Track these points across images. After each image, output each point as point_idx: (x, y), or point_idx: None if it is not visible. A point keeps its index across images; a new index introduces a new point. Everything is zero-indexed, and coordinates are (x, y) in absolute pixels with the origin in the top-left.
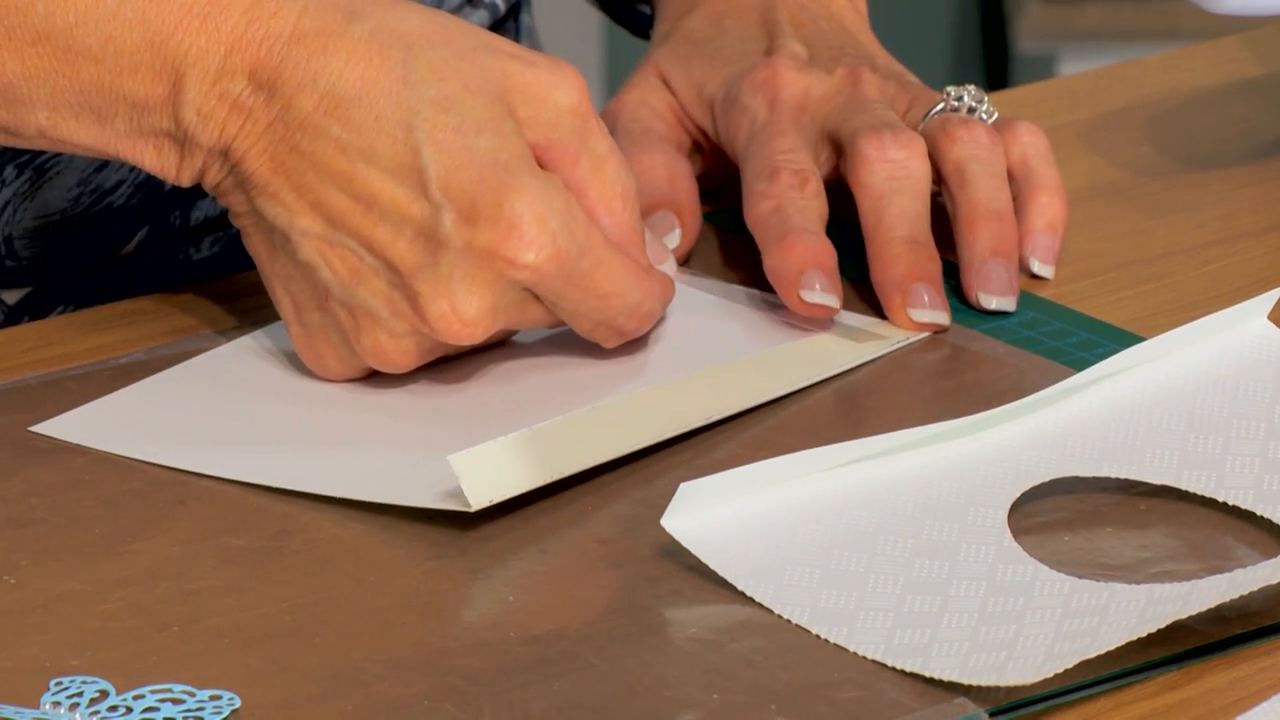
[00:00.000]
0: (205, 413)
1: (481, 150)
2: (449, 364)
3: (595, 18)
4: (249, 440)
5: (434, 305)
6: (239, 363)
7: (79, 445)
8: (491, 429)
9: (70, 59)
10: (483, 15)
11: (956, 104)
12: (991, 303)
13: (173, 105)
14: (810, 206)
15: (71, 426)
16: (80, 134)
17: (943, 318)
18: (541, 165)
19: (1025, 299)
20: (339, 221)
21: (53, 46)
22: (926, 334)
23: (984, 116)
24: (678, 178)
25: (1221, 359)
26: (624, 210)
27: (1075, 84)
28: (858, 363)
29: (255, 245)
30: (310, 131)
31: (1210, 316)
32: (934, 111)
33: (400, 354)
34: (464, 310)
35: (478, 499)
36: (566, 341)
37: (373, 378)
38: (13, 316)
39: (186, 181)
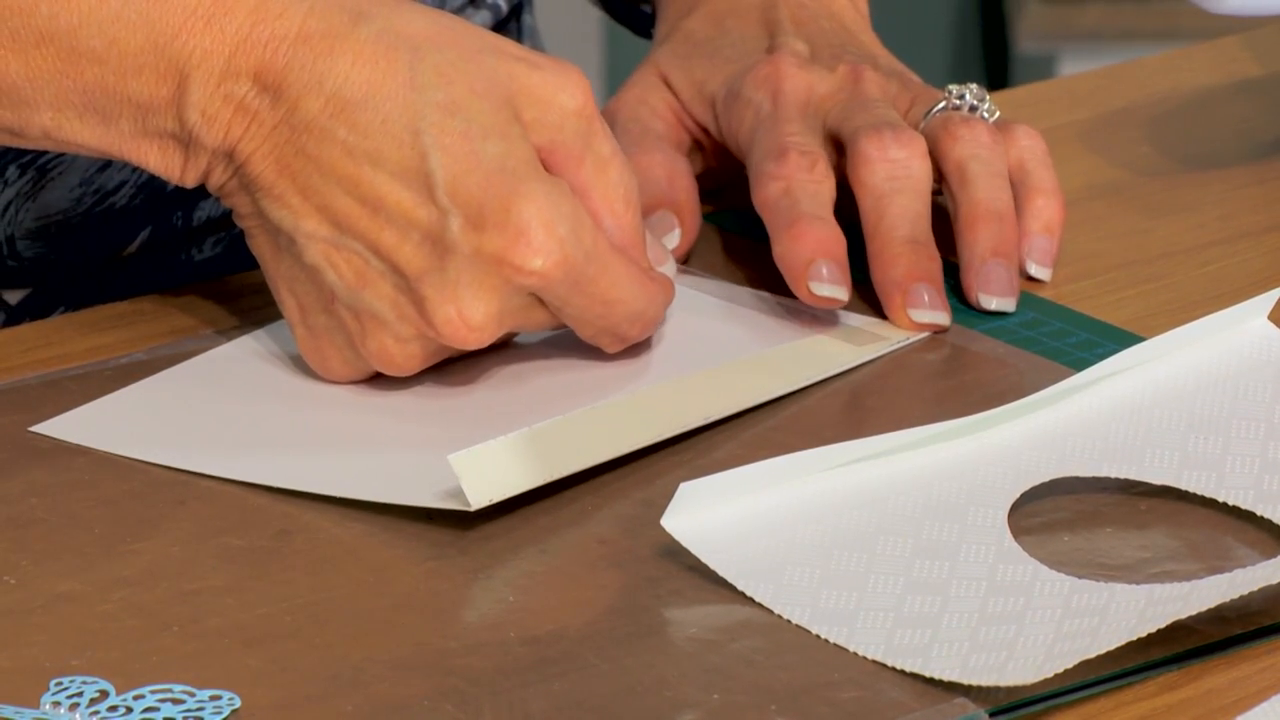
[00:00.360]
0: (205, 413)
1: (489, 155)
2: (450, 365)
3: (595, 18)
4: (249, 440)
5: (440, 310)
6: (240, 363)
7: (79, 445)
8: (492, 429)
9: (74, 60)
10: (485, 16)
11: (958, 103)
12: (991, 303)
13: (177, 107)
14: (820, 189)
15: (71, 426)
16: (85, 135)
17: (943, 318)
18: (546, 168)
19: (1025, 299)
20: (345, 225)
21: (57, 48)
22: (926, 334)
23: (985, 115)
24: (676, 177)
25: (1221, 359)
26: (626, 213)
27: (1075, 84)
28: (857, 363)
29: (260, 246)
30: (316, 134)
31: (1210, 316)
32: (935, 110)
33: (405, 358)
34: (471, 316)
35: (477, 498)
36: (567, 343)
37: (374, 379)
38: (14, 317)
39: (191, 183)
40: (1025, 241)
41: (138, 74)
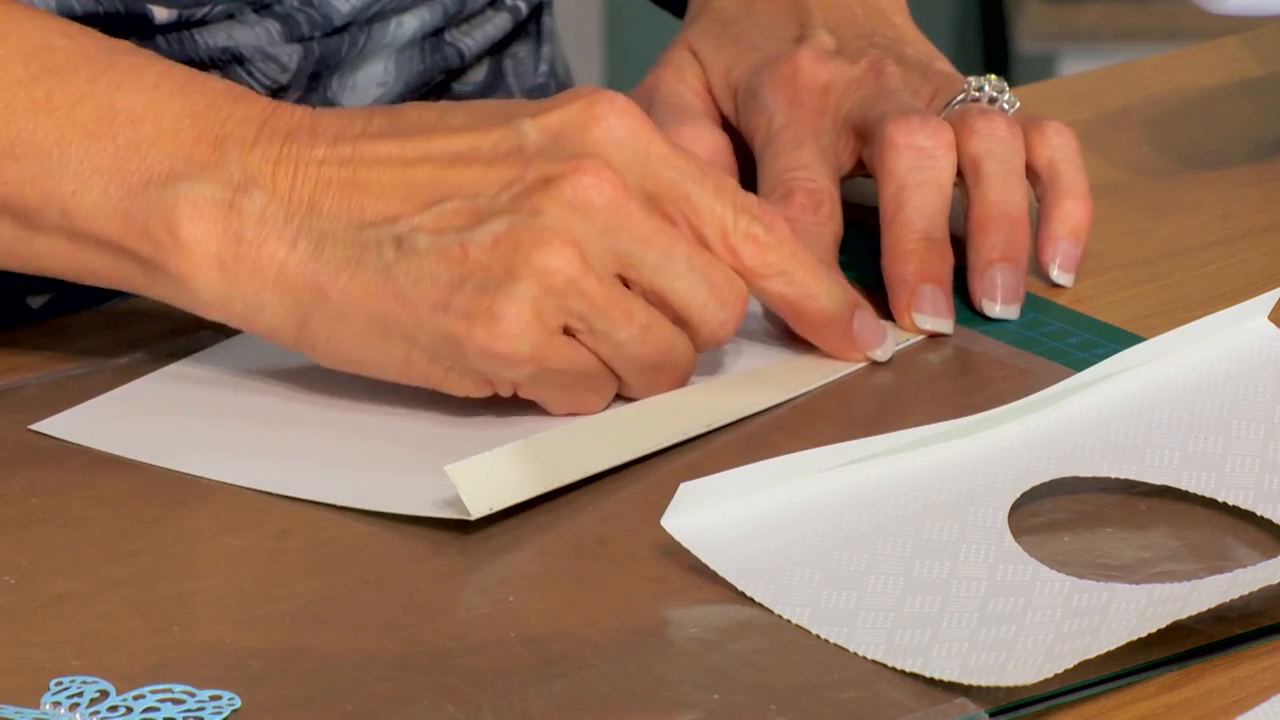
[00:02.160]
0: (206, 414)
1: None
2: None
3: (595, 18)
4: (249, 444)
5: (554, 168)
6: (242, 359)
7: (79, 445)
8: (494, 437)
9: (110, 119)
10: (504, 19)
11: (977, 94)
12: (995, 310)
13: (217, 166)
14: (824, 232)
15: (71, 425)
16: (103, 213)
17: (945, 326)
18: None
19: (1026, 299)
20: (435, 192)
21: (95, 105)
22: (925, 335)
23: (1005, 107)
24: (719, 152)
25: (1221, 359)
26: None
27: (1075, 84)
28: (859, 367)
29: (368, 284)
30: (364, 134)
31: (1210, 316)
32: (955, 102)
33: (555, 253)
34: (597, 168)
35: (477, 506)
36: None
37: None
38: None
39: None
40: (1050, 246)
41: (175, 135)
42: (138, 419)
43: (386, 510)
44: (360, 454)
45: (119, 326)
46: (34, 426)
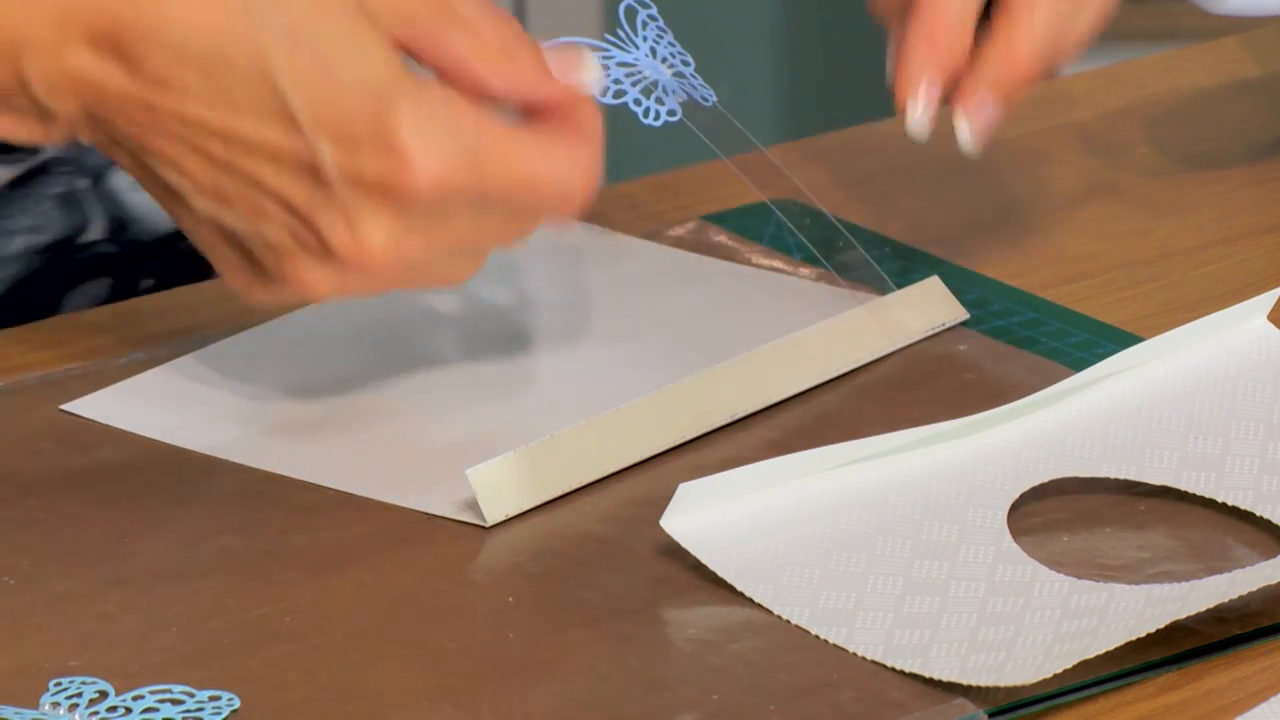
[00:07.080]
0: (235, 399)
1: (345, 75)
2: (477, 364)
3: (593, 14)
4: (276, 431)
5: (336, 237)
6: (275, 345)
7: (79, 445)
8: (519, 431)
9: None
10: None
11: None
12: (963, 132)
13: (21, 86)
14: None
15: (102, 406)
16: None
17: (919, 130)
18: (415, 55)
19: (1025, 299)
20: (224, 167)
21: None
22: (953, 321)
23: None
24: None
25: (1221, 359)
26: (510, 64)
27: (1075, 84)
28: (886, 352)
29: (155, 194)
30: (168, 88)
31: (1210, 316)
32: None
33: (323, 284)
34: (368, 240)
35: (493, 514)
36: (590, 338)
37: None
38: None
39: (59, 142)
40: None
41: None
42: (166, 401)
43: (404, 505)
44: (385, 446)
45: (119, 326)
46: (65, 407)
